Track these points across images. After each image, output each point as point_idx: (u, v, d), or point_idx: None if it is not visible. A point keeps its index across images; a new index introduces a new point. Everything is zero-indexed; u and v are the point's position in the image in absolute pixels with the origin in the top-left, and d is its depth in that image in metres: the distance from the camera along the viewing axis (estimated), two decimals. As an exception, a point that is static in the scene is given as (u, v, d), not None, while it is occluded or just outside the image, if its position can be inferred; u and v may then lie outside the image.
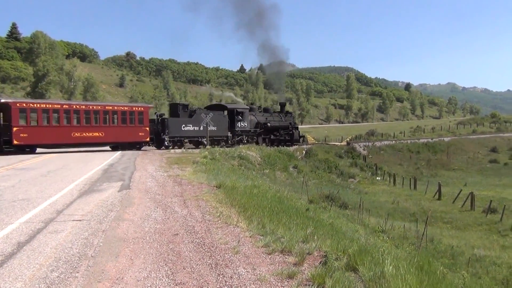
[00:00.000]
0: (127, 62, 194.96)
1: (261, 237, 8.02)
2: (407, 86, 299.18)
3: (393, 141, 69.24)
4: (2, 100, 31.82)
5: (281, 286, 5.69)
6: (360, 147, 57.73)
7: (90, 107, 35.12)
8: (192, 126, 40.56)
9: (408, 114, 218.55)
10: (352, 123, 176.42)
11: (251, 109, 48.31)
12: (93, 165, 21.64)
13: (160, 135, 38.30)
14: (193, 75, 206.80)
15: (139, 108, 37.86)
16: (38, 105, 32.52)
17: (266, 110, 52.96)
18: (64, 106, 33.81)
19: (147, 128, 37.07)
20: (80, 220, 9.18)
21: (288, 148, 44.89)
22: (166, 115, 41.97)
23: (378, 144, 63.64)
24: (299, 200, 18.63)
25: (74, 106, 34.77)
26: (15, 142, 30.17)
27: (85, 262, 6.41)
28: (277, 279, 5.90)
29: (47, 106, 33.00)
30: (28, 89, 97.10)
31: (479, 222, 29.29)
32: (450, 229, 27.45)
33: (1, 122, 31.52)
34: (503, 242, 24.38)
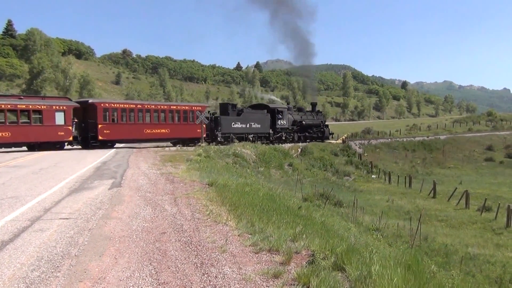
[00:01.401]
0: (124, 59, 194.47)
1: (249, 236, 7.93)
2: (404, 84, 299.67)
3: (389, 139, 69.26)
4: (90, 101, 36.38)
5: (266, 286, 5.60)
6: (356, 145, 57.71)
7: (159, 107, 39.90)
8: (240, 124, 45.25)
9: (404, 112, 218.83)
10: (348, 121, 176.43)
11: (288, 109, 52.95)
12: (86, 162, 21.53)
13: (213, 131, 42.71)
14: (190, 72, 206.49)
15: (197, 108, 42.13)
16: (117, 105, 36.94)
17: (300, 109, 58.35)
18: (138, 106, 38.31)
19: (204, 126, 39.89)
20: (67, 219, 9.08)
21: (283, 145, 44.90)
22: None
23: (373, 142, 63.67)
24: (292, 198, 18.52)
25: (146, 106, 39.36)
26: (100, 137, 34.23)
27: (67, 261, 6.31)
28: (262, 278, 5.82)
29: (125, 106, 37.29)
30: (24, 86, 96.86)
31: (473, 220, 29.25)
32: (445, 227, 27.39)
33: (87, 120, 34.58)
34: (498, 241, 24.34)
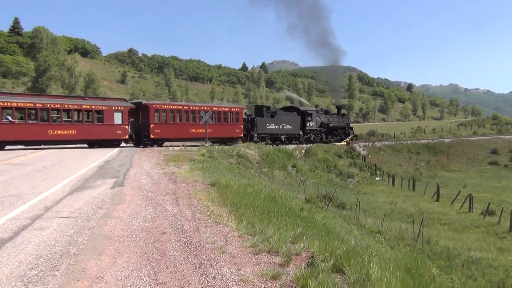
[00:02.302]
0: (129, 58, 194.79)
1: (249, 237, 7.90)
2: (409, 87, 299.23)
3: (393, 142, 69.12)
4: (144, 102, 38.88)
5: (264, 287, 5.59)
6: (360, 147, 57.59)
7: (203, 108, 41.27)
8: (274, 125, 47.92)
9: (409, 115, 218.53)
10: (353, 123, 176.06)
11: (316, 111, 55.97)
12: (89, 161, 21.52)
13: (250, 131, 45.39)
14: (195, 72, 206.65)
15: (236, 109, 44.97)
16: (167, 106, 39.46)
17: (326, 112, 60.19)
18: (184, 107, 40.86)
19: (241, 126, 44.23)
20: (67, 217, 9.08)
21: (287, 147, 44.87)
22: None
23: (378, 144, 63.52)
24: (294, 199, 18.49)
25: (191, 107, 41.52)
26: (152, 136, 36.66)
27: (66, 260, 6.31)
28: (261, 280, 5.80)
29: (173, 107, 40.09)
30: (29, 84, 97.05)
31: (476, 224, 29.14)
32: (448, 231, 27.29)
33: (140, 120, 37.19)
34: (500, 245, 24.23)
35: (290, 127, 50.06)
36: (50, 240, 7.36)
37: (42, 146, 32.08)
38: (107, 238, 7.61)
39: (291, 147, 45.64)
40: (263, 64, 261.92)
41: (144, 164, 20.84)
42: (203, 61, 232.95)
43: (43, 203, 10.60)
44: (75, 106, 33.29)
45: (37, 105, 31.48)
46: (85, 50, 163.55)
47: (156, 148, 33.58)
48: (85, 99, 35.97)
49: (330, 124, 56.76)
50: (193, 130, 39.93)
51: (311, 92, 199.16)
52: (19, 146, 31.78)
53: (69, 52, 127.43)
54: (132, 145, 37.29)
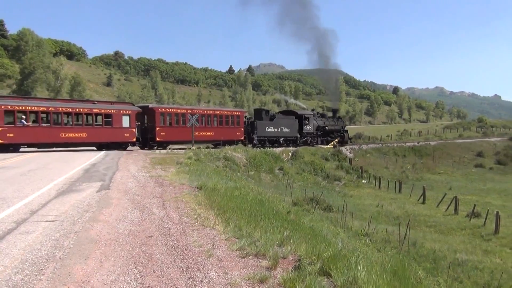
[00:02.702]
0: (115, 61, 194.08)
1: (236, 240, 7.90)
2: (395, 90, 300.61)
3: (380, 144, 69.37)
4: (150, 106, 40.45)
5: (251, 291, 5.59)
6: (347, 150, 57.70)
7: (206, 112, 44.26)
8: (273, 128, 49.49)
9: (395, 118, 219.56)
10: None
11: (313, 115, 57.59)
12: (75, 164, 21.41)
13: (250, 134, 47.02)
14: (182, 75, 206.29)
15: (237, 113, 47.21)
16: (172, 110, 41.46)
17: (323, 115, 62.01)
18: (188, 111, 42.22)
19: (242, 129, 46.14)
20: (53, 221, 9.02)
21: (274, 149, 44.88)
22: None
23: (364, 147, 63.74)
24: (281, 202, 18.51)
25: (195, 111, 42.81)
26: (157, 139, 38.29)
27: (52, 265, 6.26)
28: (248, 283, 5.80)
29: (178, 111, 41.84)
30: (14, 87, 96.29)
31: (462, 226, 29.29)
32: (434, 233, 27.40)
33: (146, 123, 38.75)
34: (486, 247, 24.38)
35: (288, 130, 51.57)
36: (35, 244, 7.31)
37: (24, 149, 32.09)
38: (93, 242, 7.57)
39: (278, 150, 45.66)
40: (250, 67, 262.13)
41: (130, 167, 20.77)
42: (189, 64, 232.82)
43: (29, 206, 10.52)
44: (86, 110, 34.40)
45: (50, 108, 32.58)
46: (70, 53, 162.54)
47: (142, 151, 33.48)
48: (95, 103, 37.34)
49: (326, 127, 58.33)
50: (197, 133, 40.76)
51: (298, 95, 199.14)
52: (32, 149, 32.54)
53: (55, 54, 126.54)
54: (139, 147, 38.40)
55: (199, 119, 40.48)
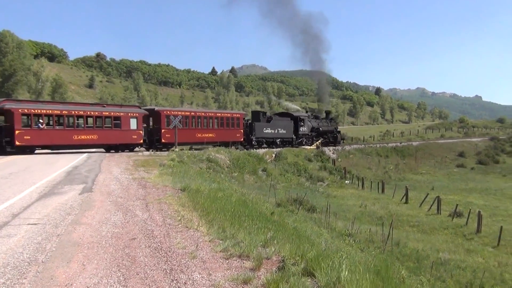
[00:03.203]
0: (97, 63, 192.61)
1: (220, 242, 7.89)
2: (378, 91, 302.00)
3: (363, 145, 69.67)
4: (156, 109, 42.15)
5: (235, 292, 5.58)
6: (330, 150, 57.84)
7: (208, 114, 45.97)
8: (270, 130, 51.18)
9: (378, 118, 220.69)
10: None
11: (308, 116, 59.74)
12: (57, 167, 21.24)
13: (249, 136, 48.60)
14: (164, 77, 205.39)
15: (237, 115, 48.66)
16: (177, 113, 41.70)
17: (316, 117, 63.39)
18: (191, 113, 44.41)
19: (242, 131, 47.73)
20: (35, 224, 8.94)
21: (257, 151, 44.91)
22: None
23: (347, 148, 63.94)
24: (265, 203, 18.50)
25: (198, 113, 45.56)
26: (163, 140, 39.80)
27: (34, 268, 6.21)
28: (232, 284, 5.79)
29: (182, 113, 42.29)
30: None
31: (445, 226, 29.53)
32: (416, 233, 27.58)
33: (152, 125, 40.29)
34: (468, 246, 24.60)
35: (285, 132, 53.32)
36: (17, 247, 7.24)
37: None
38: (76, 244, 7.52)
39: (261, 151, 45.68)
40: (233, 68, 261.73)
41: (113, 169, 20.65)
42: (172, 66, 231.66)
43: (10, 210, 10.42)
44: (96, 113, 35.62)
45: (63, 112, 33.93)
46: (52, 55, 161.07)
47: (125, 154, 33.29)
48: (104, 106, 38.66)
49: (320, 129, 60.38)
50: (199, 135, 43.36)
51: (281, 96, 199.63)
52: (46, 150, 33.55)
53: (36, 56, 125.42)
54: (145, 149, 39.66)
55: (201, 121, 43.66)
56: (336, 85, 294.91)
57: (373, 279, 5.90)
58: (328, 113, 67.00)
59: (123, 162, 24.74)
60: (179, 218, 9.79)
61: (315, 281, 5.91)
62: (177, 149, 35.31)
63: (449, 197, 39.61)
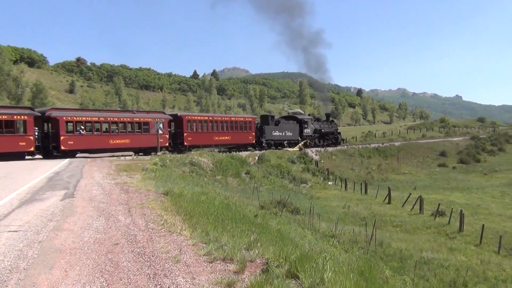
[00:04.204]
0: (78, 67, 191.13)
1: (204, 245, 7.88)
2: (359, 92, 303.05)
3: (345, 146, 69.89)
4: (179, 114, 45.78)
5: (220, 296, 5.57)
6: (312, 152, 57.95)
7: (223, 119, 49.87)
8: (278, 132, 55.22)
9: (360, 120, 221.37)
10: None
11: (311, 119, 63.78)
12: (38, 173, 21.05)
13: (259, 138, 52.34)
14: (146, 81, 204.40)
15: (249, 119, 52.64)
16: (196, 117, 46.70)
17: (318, 119, 67.47)
18: (209, 118, 48.23)
19: (253, 133, 51.47)
20: (16, 231, 8.85)
21: (240, 153, 44.90)
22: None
23: (330, 149, 64.09)
24: (249, 206, 18.49)
25: (215, 118, 49.08)
26: (185, 143, 43.18)
27: (16, 275, 6.15)
28: (216, 288, 5.78)
29: (201, 118, 47.11)
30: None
31: (427, 225, 29.71)
32: (400, 233, 27.73)
33: (174, 129, 43.65)
34: (451, 245, 24.78)
35: (291, 134, 57.20)
36: (-2, 255, 7.16)
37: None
38: (58, 251, 7.46)
39: (244, 154, 45.66)
40: (214, 71, 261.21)
41: (95, 174, 20.51)
42: (153, 70, 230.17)
43: (-10, 217, 10.29)
44: (128, 119, 39.13)
45: (101, 119, 37.33)
46: (31, 60, 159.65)
47: (107, 158, 33.08)
48: (134, 113, 43.14)
49: (322, 130, 64.39)
50: (217, 138, 47.02)
51: (263, 99, 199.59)
52: (85, 154, 35.84)
53: (15, 62, 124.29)
54: (168, 151, 41.28)
55: (218, 125, 47.48)
56: (318, 86, 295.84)
57: (357, 279, 5.93)
58: (328, 115, 70.60)
59: (105, 167, 24.58)
60: (162, 222, 9.75)
61: (299, 283, 5.93)
62: (159, 153, 35.17)
63: (431, 196, 39.84)
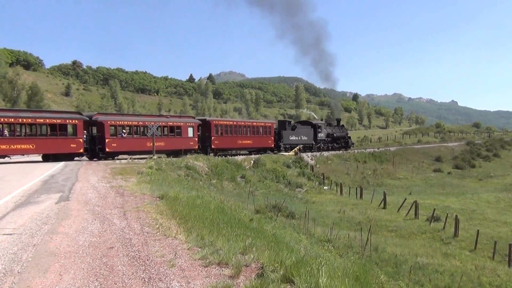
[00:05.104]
0: (74, 70, 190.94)
1: (199, 249, 7.86)
2: (355, 97, 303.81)
3: (341, 151, 70.01)
4: (207, 119, 48.41)
5: (215, 300, 5.56)
6: (308, 156, 57.97)
7: (247, 123, 52.96)
8: (295, 137, 58.22)
9: (355, 124, 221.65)
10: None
11: (324, 124, 67.65)
12: (33, 176, 21.00)
13: (277, 142, 55.27)
14: (142, 84, 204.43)
15: (269, 124, 56.03)
16: (223, 122, 50.13)
17: (330, 124, 71.36)
18: (234, 123, 51.36)
19: (272, 138, 54.48)
20: (10, 234, 8.83)
21: (236, 158, 44.91)
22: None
23: (326, 153, 64.12)
24: (244, 210, 18.46)
25: (239, 123, 52.44)
26: (212, 146, 46.07)
27: (10, 279, 6.12)
28: (211, 292, 5.77)
29: (227, 123, 50.27)
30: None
31: (422, 230, 29.74)
32: (395, 238, 27.74)
33: (203, 133, 45.75)
34: (446, 250, 24.80)
35: (306, 138, 60.41)
36: (-8, 258, 7.13)
37: None
38: (52, 254, 7.43)
39: (239, 158, 45.66)
40: (210, 75, 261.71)
41: (90, 178, 20.48)
42: (149, 73, 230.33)
43: (-15, 220, 10.25)
44: (164, 123, 41.60)
45: (140, 123, 39.60)
46: (27, 63, 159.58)
47: (102, 162, 33.05)
48: (168, 117, 45.88)
49: (334, 135, 67.69)
50: (240, 142, 49.94)
51: (259, 103, 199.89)
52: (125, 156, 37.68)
53: (11, 64, 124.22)
54: (196, 153, 42.51)
55: (242, 129, 50.26)
56: (314, 91, 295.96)
57: (352, 284, 5.93)
58: (339, 120, 73.62)
59: (101, 170, 24.55)
60: (157, 226, 9.73)
61: (294, 288, 5.91)
62: (155, 157, 35.14)
63: (426, 201, 39.88)
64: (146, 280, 6.19)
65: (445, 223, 29.98)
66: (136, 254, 7.52)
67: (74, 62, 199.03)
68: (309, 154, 59.28)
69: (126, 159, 35.54)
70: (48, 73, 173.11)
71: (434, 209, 32.91)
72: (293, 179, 46.07)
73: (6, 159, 33.18)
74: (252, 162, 46.03)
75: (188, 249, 7.95)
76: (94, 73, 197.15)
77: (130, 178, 20.39)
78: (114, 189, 16.38)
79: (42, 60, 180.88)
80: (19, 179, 19.59)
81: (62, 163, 29.85)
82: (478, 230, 26.80)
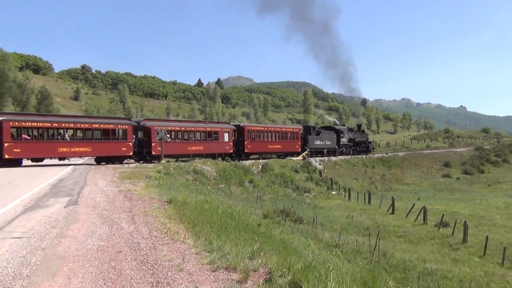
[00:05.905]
0: (83, 75, 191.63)
1: (207, 254, 7.86)
2: (363, 102, 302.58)
3: (349, 156, 69.90)
4: (241, 125, 50.94)
5: (222, 305, 5.55)
6: (316, 161, 57.89)
7: (277, 129, 55.32)
8: (319, 141, 61.15)
9: (364, 129, 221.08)
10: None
11: (346, 129, 69.75)
12: (42, 180, 21.07)
13: (303, 147, 57.63)
14: (150, 88, 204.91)
15: (296, 129, 58.12)
16: (255, 128, 51.98)
17: (350, 129, 73.56)
18: (265, 128, 53.91)
19: (299, 142, 56.90)
20: (20, 238, 8.86)
21: (244, 162, 44.94)
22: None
23: (334, 158, 64.04)
24: (252, 215, 18.46)
25: (269, 128, 55.16)
26: (245, 150, 48.63)
27: (19, 282, 6.14)
28: (219, 297, 5.76)
29: (259, 128, 52.62)
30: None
31: (431, 236, 29.58)
32: (403, 243, 27.62)
33: (237, 138, 48.06)
34: (455, 256, 24.65)
35: (330, 143, 63.25)
36: (1, 261, 7.16)
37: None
38: (61, 258, 7.45)
39: (247, 162, 45.67)
40: (219, 80, 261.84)
41: (98, 182, 20.52)
42: (158, 77, 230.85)
43: (-6, 223, 10.30)
44: (202, 129, 44.43)
45: (182, 128, 42.88)
46: (37, 67, 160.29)
47: (111, 166, 33.12)
48: (206, 123, 48.70)
49: (356, 139, 70.59)
50: (270, 146, 52.56)
51: (267, 108, 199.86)
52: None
53: (21, 68, 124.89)
54: (230, 158, 47.15)
55: (271, 135, 52.67)
56: (322, 96, 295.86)
57: (360, 290, 5.90)
58: (359, 126, 76.97)
59: (109, 174, 24.60)
60: (165, 230, 9.74)
61: (302, 293, 5.89)
62: (163, 161, 35.20)
63: (435, 207, 39.70)
64: (154, 284, 6.19)
65: (454, 229, 29.80)
66: (144, 258, 7.53)
67: (83, 67, 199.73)
68: (317, 159, 59.25)
69: (169, 161, 37.14)
70: (57, 77, 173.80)
71: (443, 215, 32.73)
72: (301, 184, 46.00)
73: (66, 161, 35.88)
74: (260, 166, 46.01)
75: (196, 253, 7.95)
76: (103, 78, 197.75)
77: (138, 182, 20.42)
78: (123, 193, 16.41)
79: (51, 65, 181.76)
80: (28, 183, 19.65)
81: (70, 167, 29.94)
82: (487, 236, 26.61)
